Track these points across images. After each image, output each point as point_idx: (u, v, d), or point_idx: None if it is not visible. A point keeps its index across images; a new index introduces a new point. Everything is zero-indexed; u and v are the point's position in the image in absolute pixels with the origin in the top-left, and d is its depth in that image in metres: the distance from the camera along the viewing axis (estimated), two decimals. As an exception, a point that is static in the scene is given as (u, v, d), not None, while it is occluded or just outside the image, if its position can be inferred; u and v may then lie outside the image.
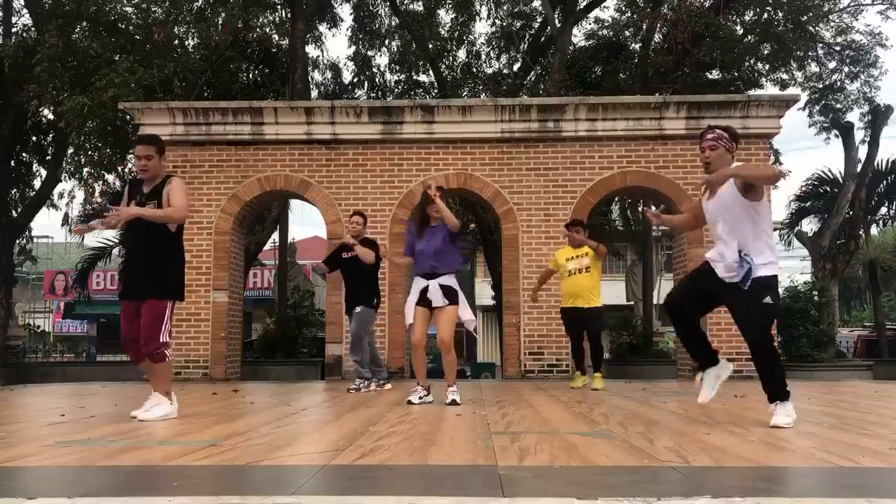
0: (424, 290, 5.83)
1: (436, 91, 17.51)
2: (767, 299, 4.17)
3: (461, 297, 5.91)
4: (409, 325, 5.93)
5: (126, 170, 15.01)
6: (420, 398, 5.74)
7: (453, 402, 5.71)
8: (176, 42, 14.18)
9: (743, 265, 4.19)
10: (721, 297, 4.40)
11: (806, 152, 62.49)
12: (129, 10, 14.37)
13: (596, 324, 7.88)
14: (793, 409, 4.23)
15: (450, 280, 5.89)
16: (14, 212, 16.73)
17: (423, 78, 18.56)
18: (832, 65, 16.23)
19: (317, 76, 18.46)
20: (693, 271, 4.70)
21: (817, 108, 16.54)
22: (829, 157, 77.11)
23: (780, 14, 15.35)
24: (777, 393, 4.26)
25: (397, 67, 18.72)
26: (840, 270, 15.48)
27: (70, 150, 15.01)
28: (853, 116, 17.13)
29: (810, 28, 15.35)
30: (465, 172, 10.75)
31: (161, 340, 4.69)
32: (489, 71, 18.14)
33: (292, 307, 15.16)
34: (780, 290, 12.38)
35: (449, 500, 2.26)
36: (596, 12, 17.70)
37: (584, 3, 16.94)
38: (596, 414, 4.98)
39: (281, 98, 14.78)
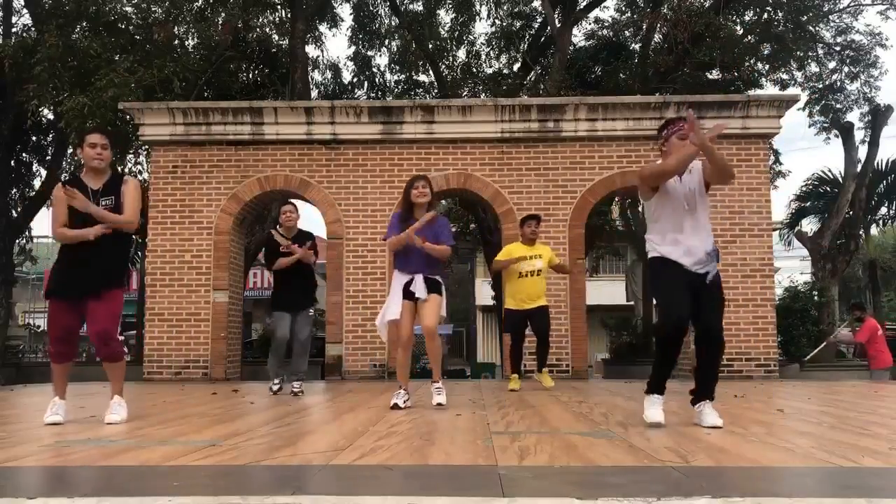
0: (409, 283, 5.43)
1: (436, 91, 17.49)
2: (722, 293, 4.27)
3: (443, 290, 5.59)
4: (391, 322, 5.47)
5: (125, 169, 15.01)
6: (405, 401, 5.34)
7: (439, 406, 5.29)
8: (176, 42, 14.17)
9: (713, 258, 4.17)
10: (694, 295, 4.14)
11: (806, 152, 62.41)
12: (129, 10, 14.35)
13: (547, 322, 7.69)
14: None
15: (434, 273, 5.56)
16: (14, 212, 16.72)
17: (423, 78, 18.55)
18: (832, 65, 16.24)
19: (317, 76, 18.47)
20: (671, 274, 4.14)
21: (817, 108, 16.53)
22: (829, 157, 77.01)
23: (780, 14, 15.34)
24: (713, 390, 4.25)
25: (397, 67, 18.70)
26: (840, 270, 15.47)
27: (70, 150, 15.00)
28: (853, 116, 17.18)
29: (810, 28, 15.34)
30: (465, 172, 10.74)
31: (119, 337, 4.68)
32: (489, 71, 18.12)
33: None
34: (779, 290, 12.53)
35: (449, 500, 2.26)
36: (596, 12, 17.71)
37: (584, 3, 16.92)
38: (596, 414, 4.98)
39: (281, 98, 14.77)
